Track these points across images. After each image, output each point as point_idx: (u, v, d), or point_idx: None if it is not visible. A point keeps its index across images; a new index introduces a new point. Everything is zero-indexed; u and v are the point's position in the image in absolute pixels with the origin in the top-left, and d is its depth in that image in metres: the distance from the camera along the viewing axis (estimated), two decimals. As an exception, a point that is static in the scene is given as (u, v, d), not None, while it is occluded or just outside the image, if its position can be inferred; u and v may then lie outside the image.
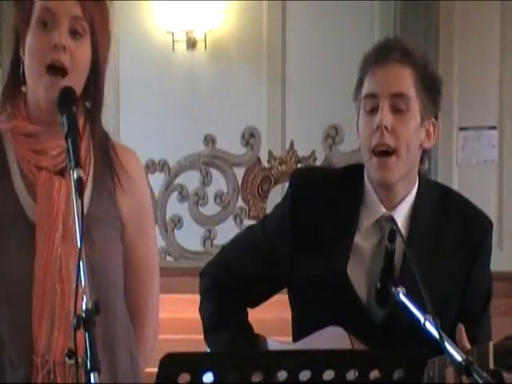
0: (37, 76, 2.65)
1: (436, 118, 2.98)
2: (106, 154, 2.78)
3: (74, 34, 2.65)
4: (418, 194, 2.98)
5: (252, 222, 5.70)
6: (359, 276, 2.93)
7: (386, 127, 2.87)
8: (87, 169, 2.73)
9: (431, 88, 2.95)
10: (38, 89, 2.65)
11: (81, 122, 2.69)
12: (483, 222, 3.03)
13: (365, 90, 2.94)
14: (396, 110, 2.90)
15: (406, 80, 2.91)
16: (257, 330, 3.10)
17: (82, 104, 2.72)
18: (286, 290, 3.10)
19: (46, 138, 2.69)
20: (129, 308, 2.83)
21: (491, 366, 2.74)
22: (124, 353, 2.77)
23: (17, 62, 2.70)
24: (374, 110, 2.91)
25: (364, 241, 2.95)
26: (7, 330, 2.68)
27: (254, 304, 3.12)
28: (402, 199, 2.96)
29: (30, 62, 2.66)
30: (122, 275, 2.80)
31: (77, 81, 2.67)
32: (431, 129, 2.97)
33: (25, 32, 2.67)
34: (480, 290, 3.00)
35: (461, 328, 2.79)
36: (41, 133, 2.69)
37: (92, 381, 2.17)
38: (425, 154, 3.00)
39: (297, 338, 3.03)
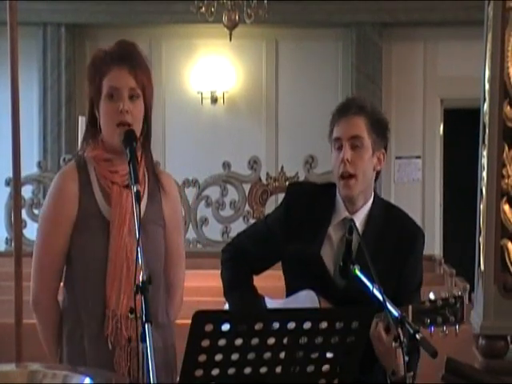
0: (111, 129, 2.66)
1: (385, 148, 2.94)
2: (155, 176, 2.78)
3: (132, 98, 2.66)
4: (372, 205, 2.93)
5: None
6: (329, 256, 2.88)
7: (347, 160, 2.84)
8: (144, 184, 2.72)
9: (379, 128, 2.89)
10: (114, 136, 2.65)
11: (139, 152, 2.69)
12: (414, 231, 2.96)
13: (333, 135, 2.90)
14: (354, 147, 2.85)
15: (359, 126, 2.86)
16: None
17: (140, 141, 2.72)
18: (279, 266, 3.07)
19: (117, 162, 2.68)
20: (165, 281, 2.80)
21: (410, 320, 2.67)
22: (162, 310, 2.74)
23: (92, 118, 2.71)
24: (339, 149, 2.87)
25: (334, 233, 2.91)
26: (83, 295, 2.67)
27: (258, 272, 3.07)
28: (361, 207, 2.91)
29: (104, 121, 2.68)
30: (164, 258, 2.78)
31: (136, 127, 2.68)
32: (381, 157, 2.91)
33: (98, 100, 2.68)
34: (413, 276, 2.92)
35: None
36: (114, 159, 2.69)
37: (146, 328, 2.19)
38: (379, 174, 2.96)
39: (287, 295, 2.99)
